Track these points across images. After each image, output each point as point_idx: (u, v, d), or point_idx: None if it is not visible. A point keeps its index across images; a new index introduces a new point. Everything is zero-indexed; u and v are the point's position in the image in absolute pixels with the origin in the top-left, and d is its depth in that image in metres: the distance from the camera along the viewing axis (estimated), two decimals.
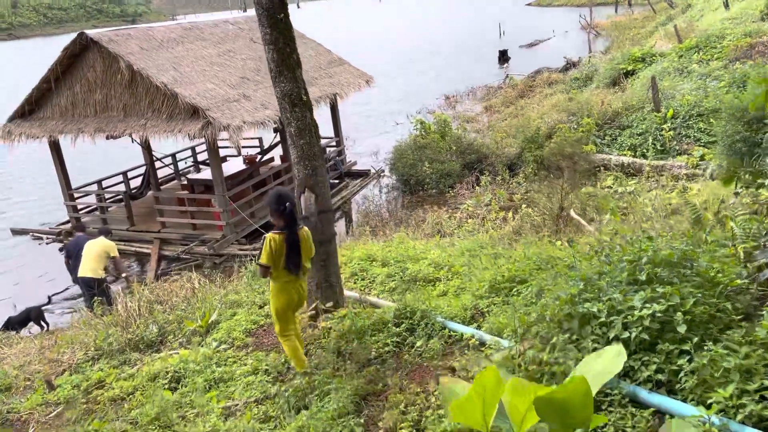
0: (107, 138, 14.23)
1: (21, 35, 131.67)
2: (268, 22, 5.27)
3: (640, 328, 3.18)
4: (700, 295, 3.34)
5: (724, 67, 17.10)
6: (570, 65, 28.04)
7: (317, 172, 5.56)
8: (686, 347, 3.12)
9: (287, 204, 4.95)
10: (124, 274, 10.80)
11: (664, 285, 3.43)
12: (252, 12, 18.73)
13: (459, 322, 4.86)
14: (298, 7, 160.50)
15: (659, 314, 3.19)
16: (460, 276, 6.71)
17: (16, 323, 10.99)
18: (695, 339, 3.12)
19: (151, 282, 11.02)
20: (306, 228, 5.12)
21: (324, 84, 16.58)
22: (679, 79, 17.53)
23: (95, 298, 9.35)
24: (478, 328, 4.69)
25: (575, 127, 15.27)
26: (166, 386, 5.15)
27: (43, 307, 11.29)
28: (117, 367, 6.42)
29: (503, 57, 38.78)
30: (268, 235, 4.99)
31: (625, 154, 14.32)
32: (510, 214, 10.89)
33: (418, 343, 4.61)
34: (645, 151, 14.31)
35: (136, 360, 6.51)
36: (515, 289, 4.93)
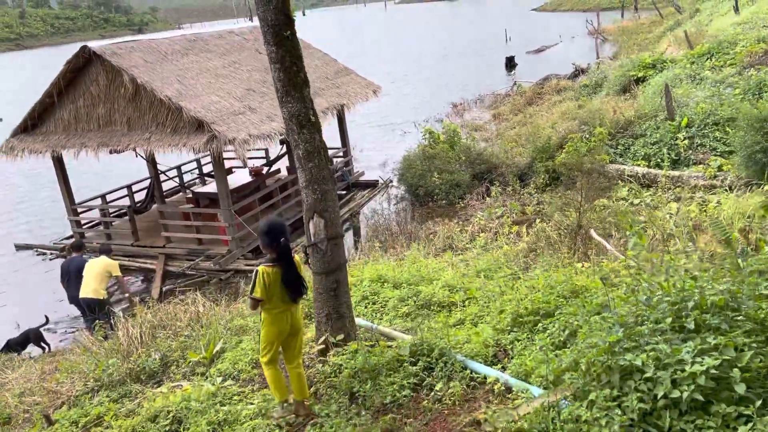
0: (111, 152, 13.99)
1: (29, 45, 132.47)
2: (274, 39, 4.99)
3: (692, 387, 2.85)
4: (755, 345, 3.02)
5: (738, 73, 16.74)
6: (579, 72, 27.73)
7: (326, 196, 5.26)
8: (747, 411, 2.79)
9: (282, 239, 4.69)
10: (127, 294, 10.51)
11: (713, 333, 3.10)
12: (258, 22, 18.49)
13: (481, 362, 4.53)
14: (304, 14, 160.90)
15: (713, 370, 2.87)
16: (477, 302, 6.39)
17: (16, 345, 10.73)
18: (757, 403, 2.78)
19: (154, 301, 10.75)
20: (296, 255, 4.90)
21: (331, 95, 16.31)
22: (692, 87, 17.16)
23: (96, 320, 9.06)
24: (503, 369, 4.35)
25: (587, 136, 14.93)
26: (167, 428, 4.85)
27: (42, 328, 11.02)
28: (117, 400, 6.12)
29: (510, 63, 38.51)
30: (260, 269, 4.74)
31: (638, 164, 13.97)
32: (524, 229, 10.56)
33: (438, 386, 4.27)
34: (659, 161, 13.94)
35: (137, 392, 6.21)
36: (540, 324, 4.59)
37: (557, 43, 47.96)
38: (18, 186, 24.53)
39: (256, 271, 4.74)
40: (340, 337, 5.19)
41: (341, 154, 18.73)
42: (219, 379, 5.27)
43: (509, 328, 4.85)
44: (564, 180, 8.81)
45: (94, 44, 13.52)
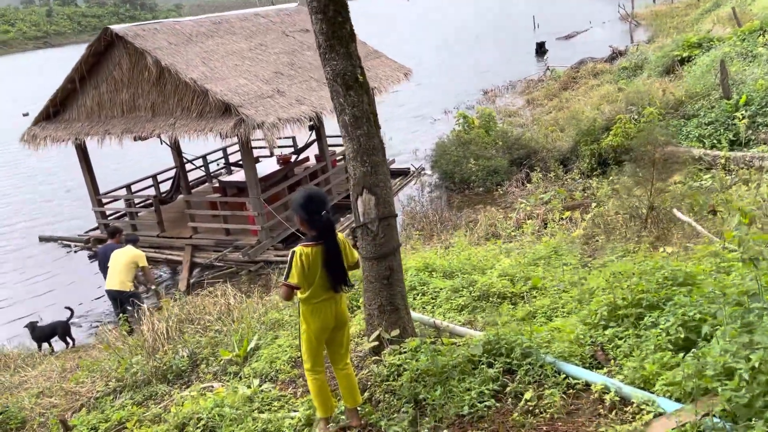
0: (135, 139, 13.44)
1: (56, 43, 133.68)
2: None
3: None
4: None
5: None
6: (616, 54, 26.57)
7: (377, 169, 4.52)
8: None
9: (323, 212, 3.95)
10: (154, 287, 9.91)
11: None
12: (282, 5, 17.78)
13: (578, 364, 3.74)
14: None
15: None
16: (544, 292, 5.62)
17: (40, 336, 10.24)
18: None
19: (181, 293, 10.15)
20: (340, 234, 4.11)
21: None
22: (745, 64, 16.08)
23: (122, 314, 8.48)
24: (610, 374, 3.56)
25: (636, 117, 13.98)
26: None
27: (70, 321, 10.51)
28: (141, 403, 5.49)
29: (541, 49, 37.42)
30: (297, 249, 3.94)
31: (693, 146, 13.01)
32: (577, 214, 9.73)
33: (528, 395, 3.47)
34: (716, 141, 12.97)
35: (163, 394, 5.57)
36: (647, 318, 3.79)
37: (587, 28, 46.54)
38: (40, 176, 24.29)
39: (292, 252, 3.96)
40: (396, 332, 4.44)
41: None
42: (255, 381, 4.57)
43: (604, 322, 4.03)
44: (635, 156, 7.94)
45: (116, 27, 12.94)
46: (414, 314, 4.95)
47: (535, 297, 5.48)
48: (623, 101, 15.44)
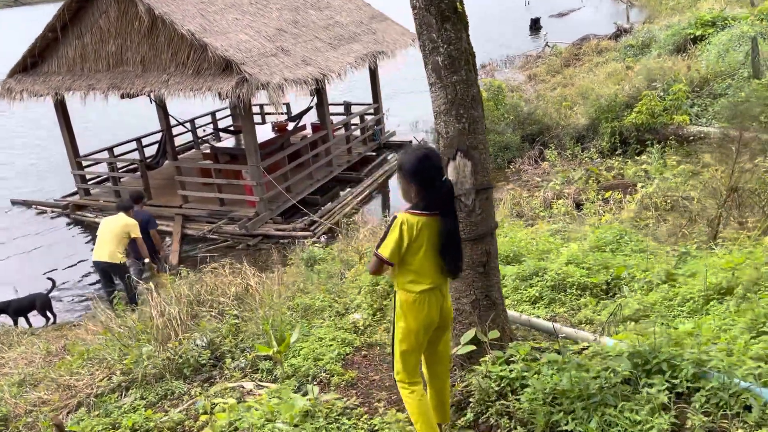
0: (122, 97, 12.25)
1: (26, 2, 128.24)
2: None
3: None
4: None
5: None
6: (621, 32, 25.74)
7: (476, 127, 3.59)
8: None
9: (442, 177, 3.06)
10: (146, 259, 8.81)
11: None
12: None
13: None
14: None
15: None
16: (634, 284, 4.78)
17: (17, 309, 9.14)
18: None
19: (171, 266, 9.14)
20: None
21: (367, 41, 14.49)
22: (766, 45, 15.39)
23: (115, 291, 7.46)
24: None
25: (661, 95, 13.20)
26: None
27: (51, 294, 9.42)
28: (154, 404, 4.53)
29: (535, 26, 36.55)
30: (402, 215, 3.06)
31: (721, 126, 12.29)
32: (618, 195, 8.92)
33: None
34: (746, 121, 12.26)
35: (181, 393, 4.62)
36: None
37: (580, 7, 45.74)
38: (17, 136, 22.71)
39: (394, 217, 3.07)
40: (495, 334, 3.54)
41: (372, 111, 16.93)
42: (315, 390, 3.62)
43: None
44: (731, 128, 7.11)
45: None
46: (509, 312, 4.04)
47: (633, 292, 4.62)
48: (644, 77, 14.63)
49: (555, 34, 32.86)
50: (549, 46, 27.57)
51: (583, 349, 3.44)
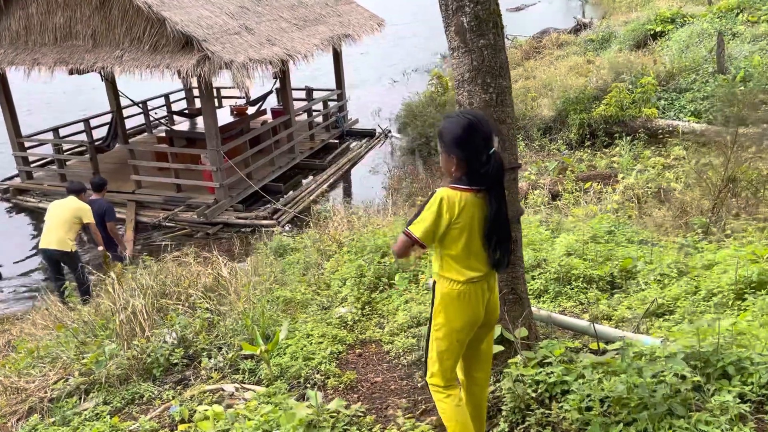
0: (70, 73, 11.40)
1: None
2: None
3: None
4: None
5: None
6: (580, 26, 25.91)
7: (504, 99, 3.20)
8: None
9: (491, 148, 2.61)
10: (101, 248, 8.11)
11: None
12: None
13: None
14: None
15: None
16: (645, 277, 4.50)
17: None
18: None
19: (131, 257, 8.47)
20: None
21: (333, 23, 13.96)
22: (727, 40, 15.61)
23: (65, 282, 6.79)
24: None
25: (630, 87, 13.17)
26: None
27: None
28: (120, 410, 4.00)
29: None
30: (442, 191, 2.63)
31: (689, 120, 12.34)
32: (597, 186, 8.73)
33: None
34: (711, 117, 12.34)
35: (151, 397, 4.10)
36: None
37: (535, 2, 46.10)
38: None
39: (432, 193, 2.64)
40: (523, 332, 3.16)
41: (335, 97, 16.42)
42: (318, 396, 3.16)
43: None
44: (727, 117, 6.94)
45: None
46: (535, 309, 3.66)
47: (648, 285, 4.34)
48: (610, 70, 14.61)
49: (513, 27, 32.96)
50: (509, 39, 27.52)
51: (615, 350, 3.10)
